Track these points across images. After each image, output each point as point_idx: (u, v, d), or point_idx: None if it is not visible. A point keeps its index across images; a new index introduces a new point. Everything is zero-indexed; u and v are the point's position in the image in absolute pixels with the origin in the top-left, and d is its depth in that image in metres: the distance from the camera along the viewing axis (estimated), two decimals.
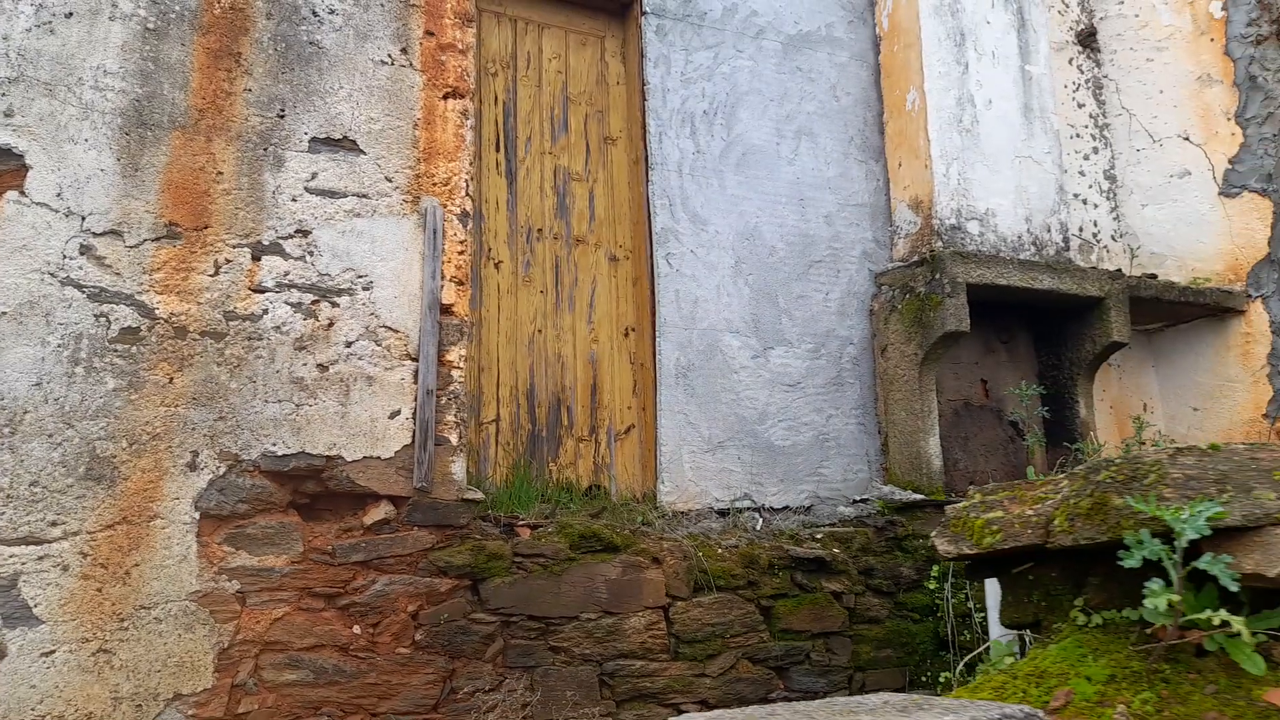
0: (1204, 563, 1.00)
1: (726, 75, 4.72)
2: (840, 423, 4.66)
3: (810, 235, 4.79)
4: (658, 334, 4.29)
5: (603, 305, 4.48)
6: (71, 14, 3.01)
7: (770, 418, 4.48)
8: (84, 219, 2.89)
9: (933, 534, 1.43)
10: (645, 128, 4.48)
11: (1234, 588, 0.99)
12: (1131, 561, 1.08)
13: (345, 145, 3.30)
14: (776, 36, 4.90)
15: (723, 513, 4.26)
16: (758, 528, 4.26)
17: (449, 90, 3.55)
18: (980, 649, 2.89)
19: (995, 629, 2.65)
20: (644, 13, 4.58)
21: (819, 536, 4.16)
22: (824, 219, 4.84)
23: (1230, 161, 5.58)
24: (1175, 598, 1.02)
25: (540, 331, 4.31)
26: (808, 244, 4.77)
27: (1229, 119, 5.62)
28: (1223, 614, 1.01)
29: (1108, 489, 1.13)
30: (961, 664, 3.20)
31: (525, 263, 4.34)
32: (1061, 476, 1.28)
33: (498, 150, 4.36)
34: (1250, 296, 5.47)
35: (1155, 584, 1.05)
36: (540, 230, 4.40)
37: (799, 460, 4.50)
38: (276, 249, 3.13)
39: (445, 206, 3.45)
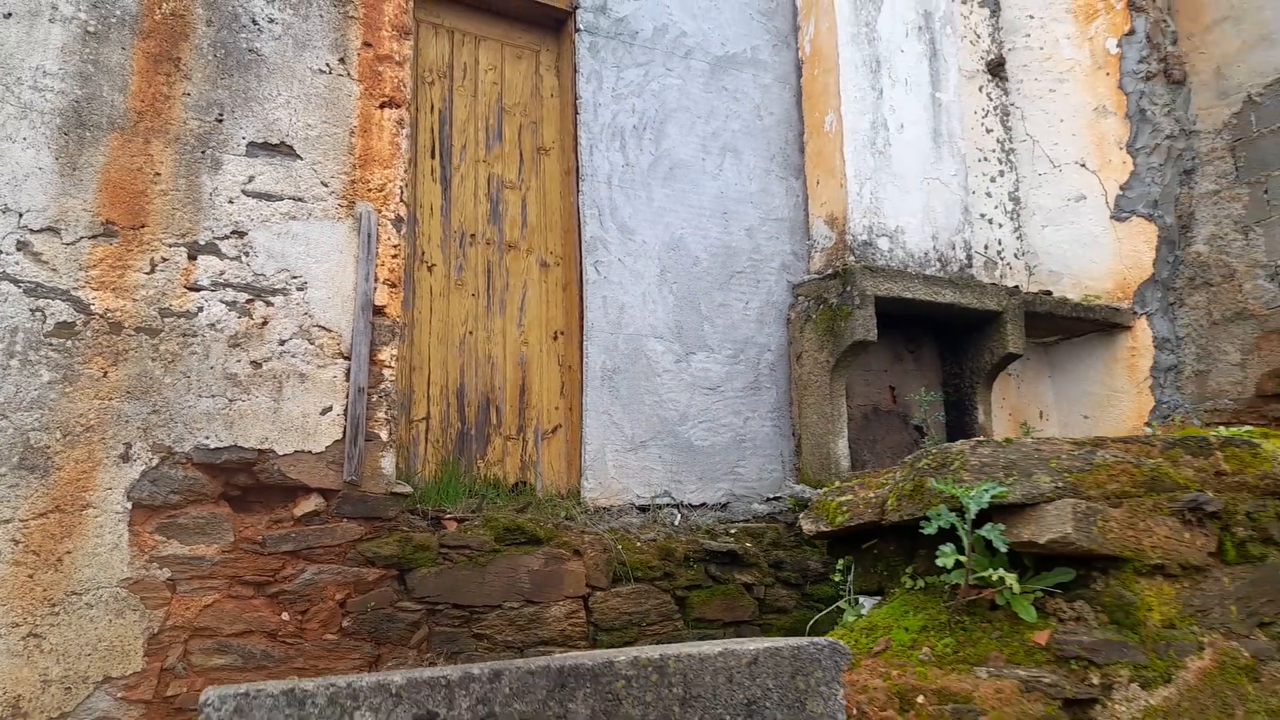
0: (985, 530, 1.24)
1: (656, 92, 4.95)
2: (757, 425, 4.92)
3: (732, 247, 5.04)
4: (585, 338, 4.50)
5: (533, 309, 4.66)
6: (10, 14, 3.08)
7: (691, 419, 4.72)
8: (21, 216, 2.96)
9: (801, 516, 1.65)
10: (577, 140, 4.68)
11: (1004, 549, 1.24)
12: (929, 529, 1.32)
13: (282, 150, 3.42)
14: (704, 57, 5.15)
15: (643, 509, 4.48)
16: (676, 523, 4.50)
17: (385, 100, 3.69)
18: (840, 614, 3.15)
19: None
20: (578, 29, 4.78)
21: (733, 531, 4.41)
22: (746, 232, 5.11)
23: (1121, 188, 6.03)
24: (962, 558, 1.26)
25: (471, 333, 4.47)
26: (730, 255, 5.03)
27: (1121, 148, 6.07)
28: (1001, 573, 1.26)
29: (924, 474, 1.37)
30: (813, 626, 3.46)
31: (458, 266, 4.50)
32: (898, 466, 1.51)
33: (433, 157, 4.51)
34: (1136, 313, 5.92)
35: (947, 547, 1.29)
36: (473, 235, 4.57)
37: (717, 460, 4.75)
38: (213, 249, 3.24)
39: (380, 211, 3.60)
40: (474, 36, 4.77)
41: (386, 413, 3.52)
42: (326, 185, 3.50)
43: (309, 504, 3.27)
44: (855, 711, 1.26)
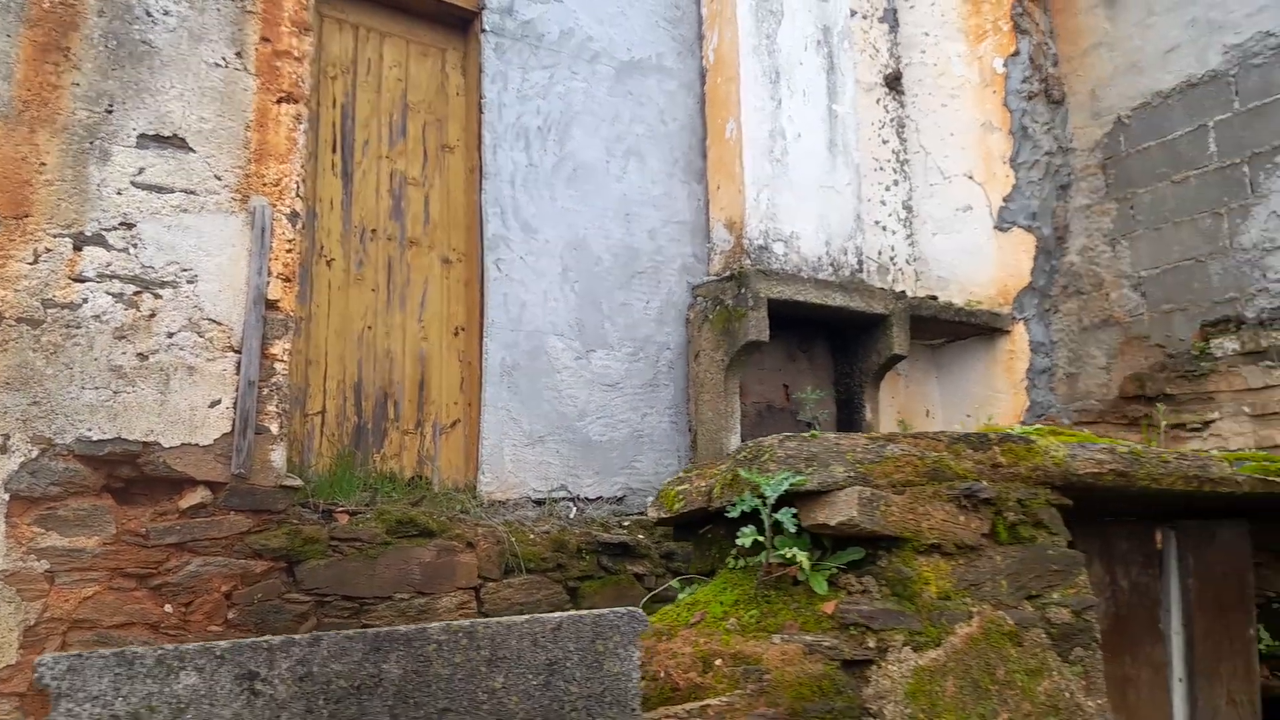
0: (780, 514, 1.41)
1: (561, 95, 5.06)
2: (654, 421, 5.09)
3: (635, 248, 5.19)
4: (485, 334, 4.58)
5: (434, 305, 4.72)
6: None
7: (590, 415, 4.85)
8: None
9: (649, 504, 1.81)
10: (481, 139, 4.75)
11: (794, 529, 1.41)
12: (733, 513, 1.48)
13: (175, 143, 3.42)
14: (610, 62, 5.28)
15: (540, 502, 4.59)
16: (572, 516, 4.63)
17: (283, 95, 3.72)
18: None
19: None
20: (484, 30, 4.86)
21: (626, 524, 4.56)
22: (648, 234, 5.26)
23: (1004, 200, 6.40)
24: (761, 538, 1.42)
25: (370, 328, 4.51)
26: (632, 256, 5.17)
27: (1005, 162, 6.44)
28: (795, 551, 1.42)
29: (739, 465, 1.53)
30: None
31: (358, 261, 4.53)
32: (725, 458, 1.67)
33: (335, 152, 4.53)
34: (1015, 319, 6.30)
35: (748, 529, 1.45)
36: (375, 231, 4.60)
37: (614, 454, 4.89)
38: (99, 240, 3.23)
39: (275, 206, 3.63)
40: (379, 33, 4.79)
41: (278, 406, 3.55)
42: (220, 179, 3.51)
43: (195, 496, 3.29)
44: (663, 674, 1.41)
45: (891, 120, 6.81)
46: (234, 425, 3.42)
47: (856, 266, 5.66)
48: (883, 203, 6.60)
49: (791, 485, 1.39)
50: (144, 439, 3.23)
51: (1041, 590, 1.60)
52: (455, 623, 1.10)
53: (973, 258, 6.48)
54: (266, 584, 3.37)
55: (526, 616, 1.13)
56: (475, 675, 1.08)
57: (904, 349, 5.52)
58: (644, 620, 1.19)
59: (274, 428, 3.54)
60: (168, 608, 3.15)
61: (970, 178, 6.57)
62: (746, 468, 1.47)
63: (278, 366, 3.58)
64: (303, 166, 3.81)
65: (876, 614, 1.40)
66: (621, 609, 1.20)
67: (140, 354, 3.27)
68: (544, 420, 4.69)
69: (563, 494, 4.68)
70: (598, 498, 4.80)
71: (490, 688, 1.09)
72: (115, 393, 3.20)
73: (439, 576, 3.84)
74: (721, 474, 1.50)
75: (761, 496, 1.39)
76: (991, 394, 6.32)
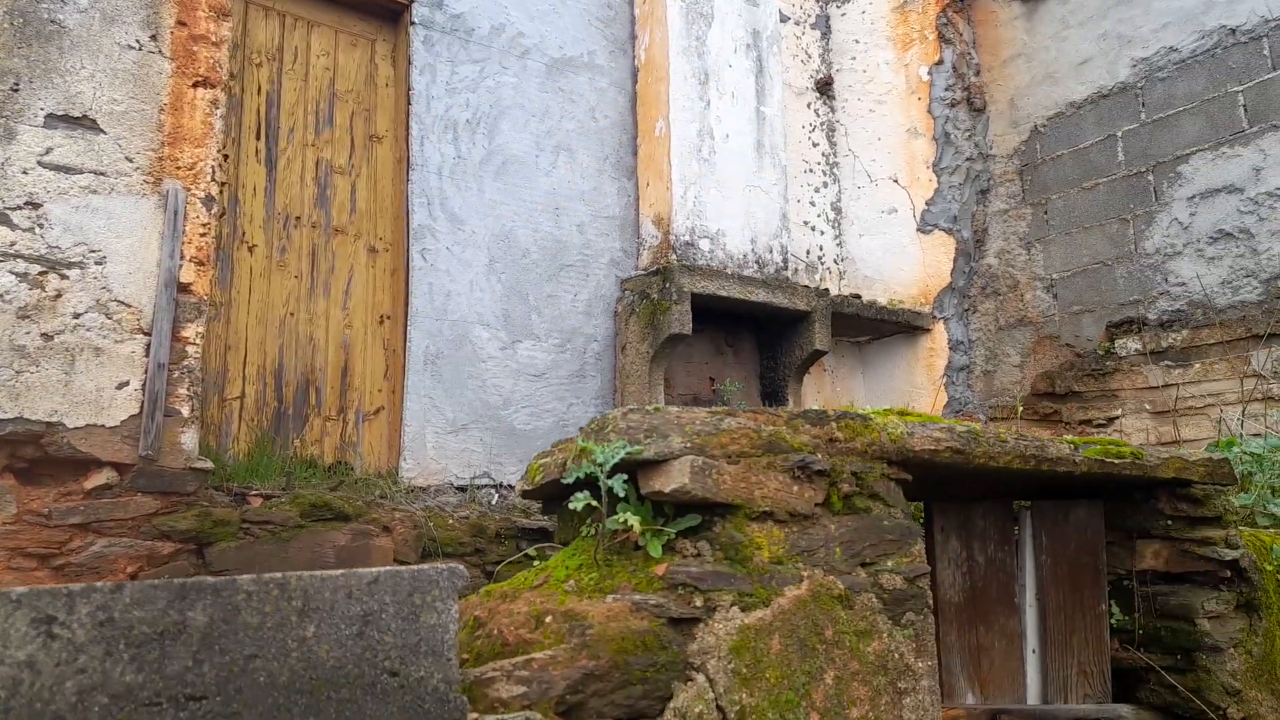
0: (613, 480, 1.49)
1: (491, 89, 5.11)
2: (581, 410, 5.16)
3: (563, 241, 5.26)
4: (409, 323, 4.62)
5: (359, 293, 4.74)
6: None
7: (515, 404, 4.91)
8: None
9: (519, 480, 1.89)
10: (409, 130, 4.78)
11: (623, 494, 1.49)
12: (569, 479, 1.57)
13: (85, 124, 3.41)
14: (541, 58, 5.34)
15: (462, 489, 4.64)
16: (494, 502, 4.68)
17: (199, 79, 3.72)
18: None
19: None
20: (413, 22, 4.89)
21: None
22: (577, 228, 5.33)
23: (927, 203, 6.60)
24: (594, 502, 1.51)
25: (293, 314, 4.52)
26: (560, 249, 5.24)
27: (928, 167, 6.63)
28: (628, 516, 1.51)
29: (586, 436, 1.61)
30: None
31: (281, 248, 4.53)
32: (580, 433, 1.76)
33: (258, 138, 4.53)
34: (936, 318, 6.50)
35: (581, 494, 1.54)
36: (299, 218, 4.61)
37: (539, 443, 4.95)
38: (3, 219, 3.21)
39: (189, 190, 3.63)
40: (307, 21, 4.80)
41: (189, 389, 3.56)
42: (132, 161, 3.51)
43: (101, 477, 3.28)
44: (497, 631, 1.49)
45: (822, 124, 6.98)
46: (143, 407, 3.42)
47: (781, 264, 5.79)
48: (812, 204, 6.75)
49: (628, 454, 1.48)
50: (47, 419, 3.22)
51: (876, 558, 1.70)
52: (268, 575, 1.16)
53: (897, 258, 6.67)
54: (174, 565, 3.37)
55: (343, 570, 1.20)
56: (285, 625, 1.14)
57: (826, 345, 5.67)
58: (463, 575, 1.26)
59: (185, 410, 3.54)
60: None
61: (896, 181, 6.75)
62: (590, 439, 1.55)
63: (190, 350, 3.58)
64: (220, 151, 3.81)
65: (706, 575, 1.49)
66: (441, 565, 1.27)
67: (45, 334, 3.25)
68: (468, 408, 4.74)
69: (485, 481, 4.73)
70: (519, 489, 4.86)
71: (301, 636, 1.15)
72: (18, 372, 3.18)
73: (353, 560, 3.87)
74: (574, 447, 1.59)
75: (598, 464, 1.47)
76: (913, 390, 6.51)
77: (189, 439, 3.55)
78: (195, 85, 3.72)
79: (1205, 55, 5.35)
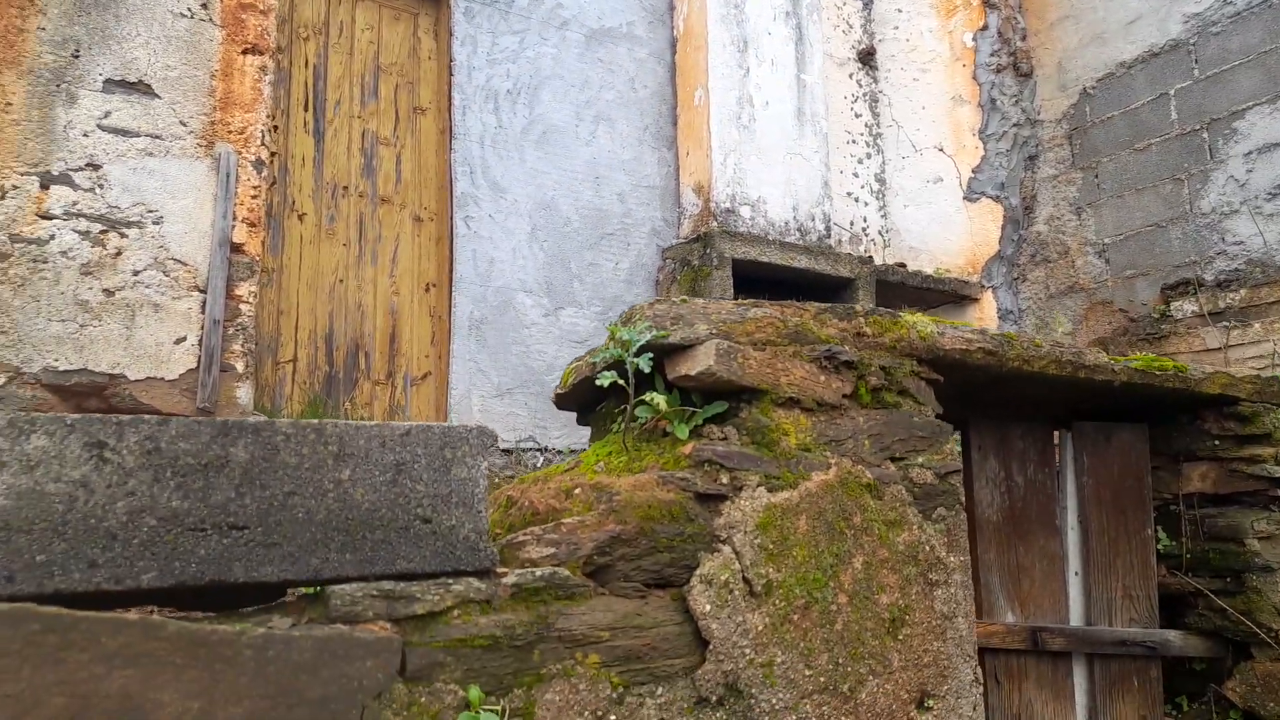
0: (640, 359, 1.51)
1: (531, 59, 5.17)
2: None
3: (604, 210, 5.30)
4: (454, 289, 4.70)
5: (405, 261, 4.84)
6: None
7: (558, 370, 4.97)
8: None
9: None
10: (451, 101, 4.87)
11: (648, 369, 1.51)
12: (595, 359, 1.59)
13: (140, 89, 3.54)
14: (580, 29, 5.39)
15: (508, 451, 4.71)
16: (539, 465, 4.74)
17: (248, 46, 3.84)
18: None
19: None
20: None
21: None
22: (617, 197, 5.37)
23: (973, 171, 6.49)
24: (621, 380, 1.53)
25: (342, 281, 4.63)
26: (601, 218, 5.29)
27: (974, 134, 6.53)
28: (654, 395, 1.53)
29: (615, 327, 1.64)
30: None
31: (329, 217, 4.65)
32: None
33: (306, 110, 4.65)
34: (984, 287, 6.39)
35: (607, 374, 1.56)
36: (346, 188, 4.72)
37: None
38: (66, 180, 3.35)
39: (240, 153, 3.75)
40: None
41: (243, 346, 3.67)
42: (185, 125, 3.63)
43: None
44: (528, 503, 1.52)
45: (865, 95, 6.91)
46: (199, 361, 3.54)
47: (824, 232, 5.76)
48: (855, 175, 6.70)
49: (654, 337, 1.50)
50: (110, 371, 3.35)
51: (905, 453, 1.70)
52: (304, 420, 1.21)
53: (943, 228, 6.58)
54: None
55: (376, 422, 1.25)
56: (322, 466, 1.19)
57: None
58: (492, 435, 1.30)
59: (239, 366, 3.66)
60: None
61: (941, 150, 6.66)
62: (619, 327, 1.58)
63: (243, 308, 3.70)
64: (269, 117, 3.93)
65: (732, 455, 1.51)
66: (471, 425, 1.31)
67: (106, 290, 3.39)
68: (512, 373, 4.80)
69: (530, 444, 4.79)
70: (566, 449, 4.92)
71: (337, 479, 1.20)
72: (82, 326, 3.32)
73: None
74: (605, 346, 1.62)
75: (624, 343, 1.50)
76: None
77: (244, 394, 3.67)
78: (244, 52, 3.84)
79: (1261, 6, 5.18)
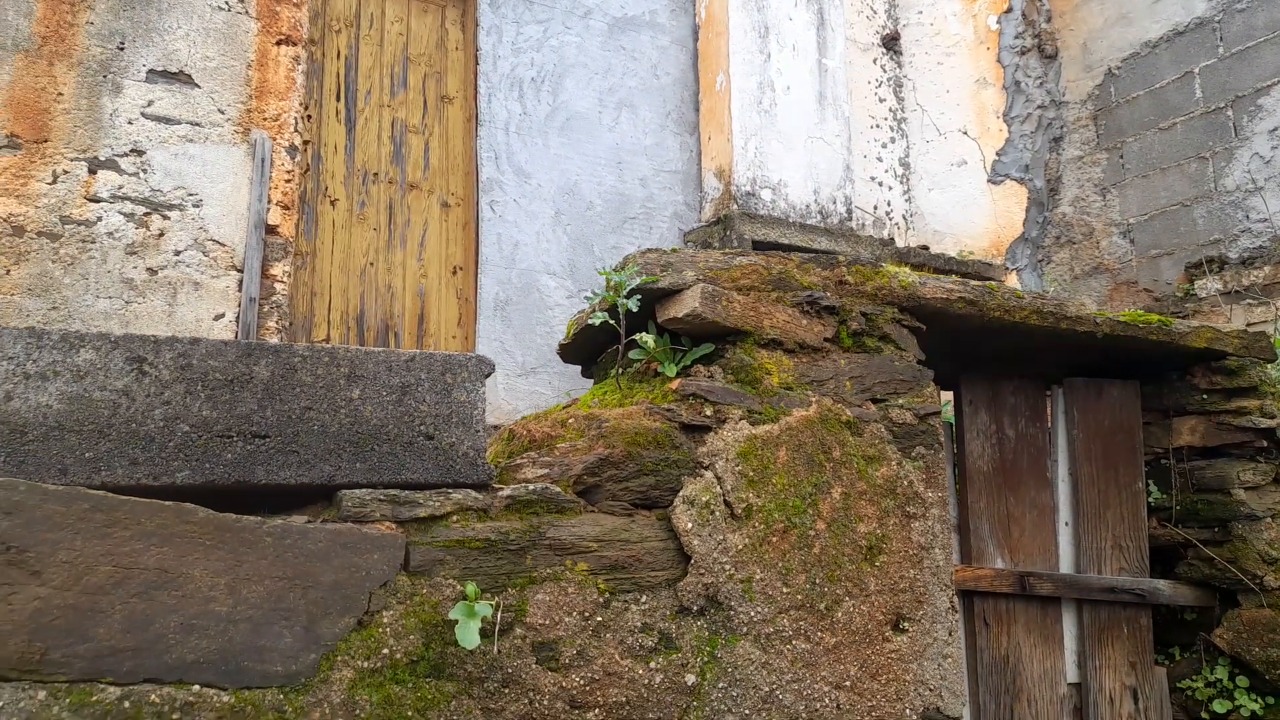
0: (630, 300, 1.63)
1: (555, 48, 5.31)
2: None
3: (626, 195, 5.42)
4: (480, 271, 4.86)
5: (433, 245, 5.00)
6: None
7: None
8: None
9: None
10: (477, 89, 5.03)
11: (636, 309, 1.63)
12: (591, 301, 1.71)
13: (181, 79, 3.74)
14: (603, 18, 5.52)
15: None
16: None
17: (282, 37, 4.02)
18: None
19: None
20: None
21: None
22: (639, 181, 5.49)
23: (998, 154, 6.51)
24: (611, 320, 1.65)
25: (372, 264, 4.81)
26: (624, 202, 5.41)
27: (998, 117, 6.55)
28: (643, 335, 1.65)
29: (610, 274, 1.76)
30: None
31: (360, 203, 4.83)
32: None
33: (339, 100, 4.83)
34: (1008, 269, 6.41)
35: (599, 315, 1.68)
36: (376, 174, 4.90)
37: None
38: (112, 165, 3.56)
39: (275, 139, 3.93)
40: None
41: (278, 323, 3.85)
42: (223, 112, 3.82)
43: None
44: (525, 433, 1.65)
45: (889, 79, 6.95)
46: (237, 337, 3.73)
47: (845, 215, 5.83)
48: (879, 159, 6.74)
49: (644, 280, 1.62)
50: None
51: (886, 395, 1.80)
52: (319, 344, 1.35)
53: (967, 211, 6.60)
54: None
55: (382, 348, 1.38)
56: (335, 386, 1.33)
57: None
58: (490, 363, 1.43)
59: (274, 341, 3.84)
60: None
61: (965, 133, 6.69)
62: (611, 273, 1.70)
63: (278, 286, 3.88)
64: (302, 105, 4.11)
65: (716, 390, 1.62)
66: (470, 353, 1.44)
67: (150, 269, 3.59)
68: (536, 353, 4.95)
69: None
70: None
71: (348, 397, 1.34)
72: (127, 303, 3.52)
73: None
74: (604, 296, 1.74)
75: (616, 286, 1.62)
76: None
77: None
78: (278, 43, 4.03)
79: None
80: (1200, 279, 5.47)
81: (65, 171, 3.48)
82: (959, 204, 6.65)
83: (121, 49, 3.64)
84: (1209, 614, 2.35)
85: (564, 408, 1.74)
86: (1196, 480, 2.33)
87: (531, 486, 1.40)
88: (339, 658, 1.16)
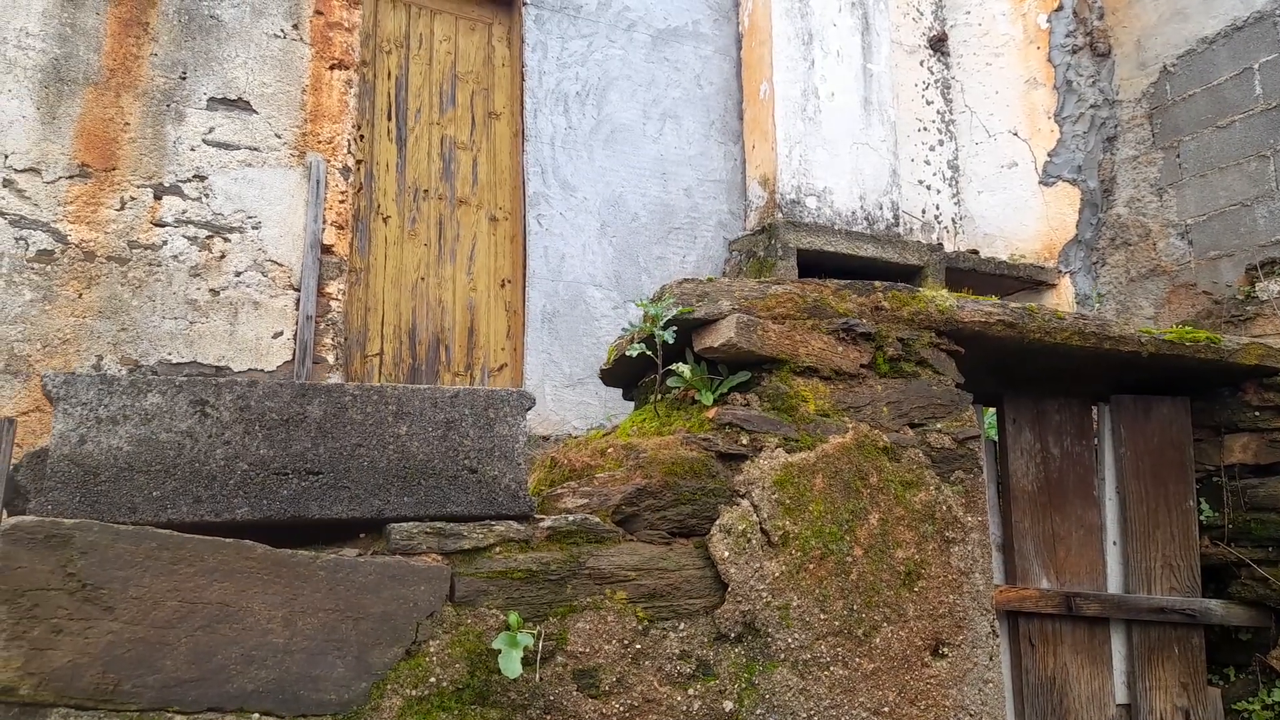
0: (658, 330, 1.67)
1: (599, 62, 5.38)
2: None
3: (671, 205, 5.47)
4: (527, 284, 4.94)
5: (482, 259, 5.10)
6: None
7: None
8: (6, 157, 3.44)
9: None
10: (523, 105, 5.11)
11: (672, 340, 1.66)
12: (629, 333, 1.75)
13: (240, 105, 3.88)
14: (647, 30, 5.57)
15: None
16: None
17: (335, 62, 4.15)
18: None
19: None
20: (525, 3, 5.22)
21: None
22: (684, 191, 5.53)
23: (1049, 155, 6.40)
24: (649, 352, 1.69)
25: (424, 279, 4.93)
26: (668, 213, 5.45)
27: (1049, 117, 6.43)
28: (680, 365, 1.68)
29: (647, 305, 1.80)
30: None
31: (411, 219, 4.95)
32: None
33: (390, 119, 4.96)
34: (1061, 272, 6.29)
35: (637, 346, 1.72)
36: (426, 191, 5.02)
37: None
38: (176, 190, 3.71)
39: (329, 161, 4.06)
40: (429, 10, 5.21)
41: (333, 340, 3.98)
42: (280, 137, 3.96)
43: None
44: (566, 461, 1.69)
45: (936, 81, 6.88)
46: (294, 354, 3.86)
47: (892, 221, 5.79)
48: (927, 162, 6.67)
49: (680, 312, 1.66)
50: (217, 363, 3.69)
51: (924, 420, 1.80)
52: (368, 384, 1.42)
53: (1018, 213, 6.50)
54: None
55: (429, 386, 1.44)
56: (383, 423, 1.39)
57: None
58: (531, 398, 1.48)
59: (330, 358, 3.96)
60: None
61: (1015, 134, 6.58)
62: (648, 304, 1.74)
63: (333, 304, 4.01)
64: (354, 126, 4.23)
65: (753, 418, 1.65)
66: (512, 389, 1.50)
67: (212, 290, 3.73)
68: (583, 364, 5.01)
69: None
70: None
71: (396, 434, 1.40)
72: (191, 323, 3.67)
73: None
74: (642, 326, 1.78)
75: (652, 318, 1.66)
76: None
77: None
78: (331, 68, 4.15)
79: None
80: (1262, 280, 5.31)
81: (132, 198, 3.64)
82: (1009, 206, 6.55)
83: (184, 78, 3.80)
84: (1264, 634, 2.30)
85: (604, 435, 1.79)
86: (1249, 498, 2.28)
87: (571, 517, 1.45)
88: (388, 686, 1.23)
